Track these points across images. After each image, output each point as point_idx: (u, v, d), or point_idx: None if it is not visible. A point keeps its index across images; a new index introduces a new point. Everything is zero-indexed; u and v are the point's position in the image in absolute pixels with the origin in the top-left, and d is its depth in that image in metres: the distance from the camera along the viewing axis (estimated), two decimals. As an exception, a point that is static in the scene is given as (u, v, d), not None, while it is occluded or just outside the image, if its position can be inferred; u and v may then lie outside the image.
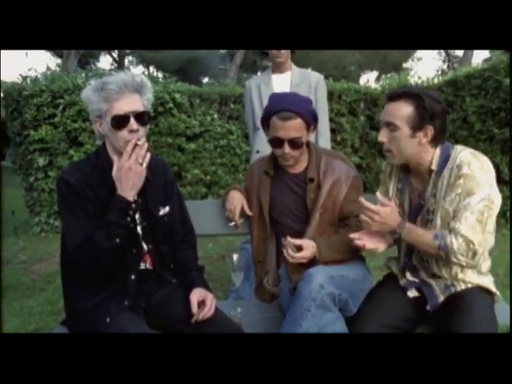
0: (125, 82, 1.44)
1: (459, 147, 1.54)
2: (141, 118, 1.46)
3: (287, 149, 1.71)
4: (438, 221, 1.52)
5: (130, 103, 1.43)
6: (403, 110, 1.48)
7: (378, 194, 1.53)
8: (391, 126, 1.51)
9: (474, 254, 1.42)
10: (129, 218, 1.44)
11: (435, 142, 1.53)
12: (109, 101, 1.42)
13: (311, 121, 1.74)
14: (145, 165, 1.42)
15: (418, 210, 1.60)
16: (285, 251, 1.62)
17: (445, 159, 1.52)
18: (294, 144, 1.72)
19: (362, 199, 1.50)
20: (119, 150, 1.47)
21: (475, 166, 1.45)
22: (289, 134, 1.69)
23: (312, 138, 2.60)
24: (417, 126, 1.48)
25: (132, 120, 1.43)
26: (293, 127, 1.69)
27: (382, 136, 1.54)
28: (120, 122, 1.42)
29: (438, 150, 1.54)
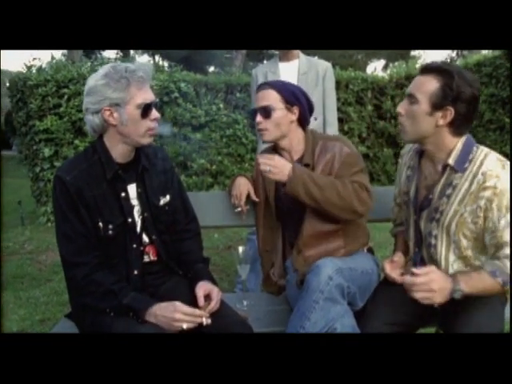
0: (148, 70, 1.44)
1: (483, 148, 1.44)
2: (156, 106, 1.47)
3: (258, 117, 1.70)
4: (453, 226, 1.44)
5: (150, 92, 1.44)
6: (429, 85, 1.40)
7: (414, 269, 1.33)
8: (412, 99, 1.43)
9: None
10: (129, 316, 1.40)
11: (455, 129, 1.42)
12: (132, 89, 1.39)
13: (290, 97, 1.70)
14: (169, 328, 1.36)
15: (424, 205, 1.53)
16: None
17: (465, 156, 1.42)
18: (265, 112, 1.69)
19: (404, 279, 1.34)
20: (135, 140, 1.44)
21: (505, 179, 1.34)
22: (260, 103, 1.70)
23: (320, 128, 2.58)
24: (437, 105, 1.39)
25: (154, 109, 1.44)
26: (264, 96, 1.70)
27: (401, 107, 1.47)
28: (146, 110, 1.42)
29: (459, 144, 1.44)
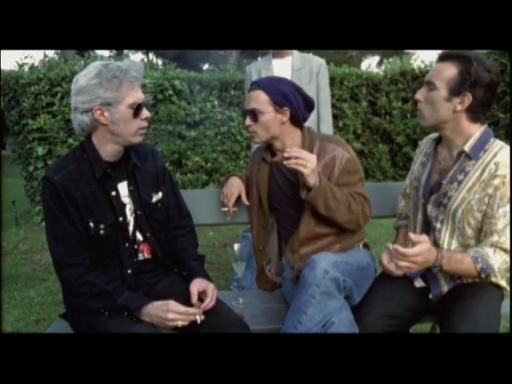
0: (140, 69, 1.44)
1: (499, 142, 1.47)
2: (146, 106, 1.47)
3: (247, 120, 1.69)
4: (459, 212, 1.46)
5: (140, 91, 1.44)
6: (447, 71, 1.43)
7: (411, 234, 1.34)
8: (431, 85, 1.46)
9: None
10: (123, 316, 1.39)
11: (473, 114, 1.45)
12: (124, 88, 1.38)
13: (278, 98, 1.64)
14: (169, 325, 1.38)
15: (434, 189, 1.54)
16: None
17: (481, 145, 1.45)
18: (253, 115, 1.67)
19: (395, 247, 1.30)
20: (126, 139, 1.43)
21: None
22: (249, 105, 1.69)
23: (314, 124, 2.57)
24: (455, 91, 1.42)
25: (144, 108, 1.44)
26: (252, 98, 1.68)
27: (419, 94, 1.51)
28: (137, 110, 1.41)
29: (477, 133, 1.47)
